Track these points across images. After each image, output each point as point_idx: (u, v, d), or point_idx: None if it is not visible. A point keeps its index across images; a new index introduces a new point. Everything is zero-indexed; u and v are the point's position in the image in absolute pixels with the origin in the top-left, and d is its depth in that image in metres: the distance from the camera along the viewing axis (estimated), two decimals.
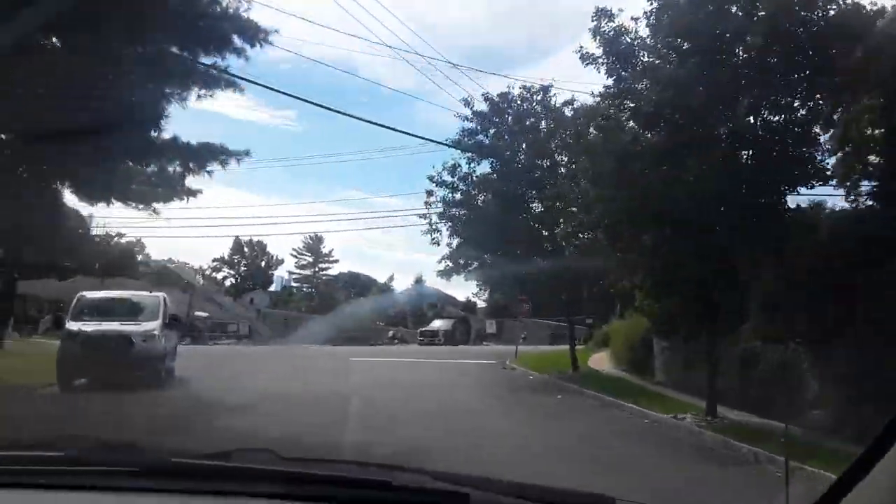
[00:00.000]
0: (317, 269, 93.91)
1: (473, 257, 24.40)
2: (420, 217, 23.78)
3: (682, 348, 19.36)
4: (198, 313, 56.97)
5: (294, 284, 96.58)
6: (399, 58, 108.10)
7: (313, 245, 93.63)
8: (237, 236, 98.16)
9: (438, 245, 23.89)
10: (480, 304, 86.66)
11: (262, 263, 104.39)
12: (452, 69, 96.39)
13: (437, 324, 48.14)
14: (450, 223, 23.38)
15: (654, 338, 22.79)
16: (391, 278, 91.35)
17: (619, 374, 22.95)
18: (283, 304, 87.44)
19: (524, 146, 22.37)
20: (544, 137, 22.17)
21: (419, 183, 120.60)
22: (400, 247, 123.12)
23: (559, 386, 20.11)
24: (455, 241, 23.63)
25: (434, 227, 23.64)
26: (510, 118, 22.55)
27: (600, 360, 26.68)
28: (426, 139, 22.95)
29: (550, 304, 76.29)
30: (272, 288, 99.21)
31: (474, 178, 22.77)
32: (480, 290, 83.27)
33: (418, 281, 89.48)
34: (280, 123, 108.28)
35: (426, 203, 23.57)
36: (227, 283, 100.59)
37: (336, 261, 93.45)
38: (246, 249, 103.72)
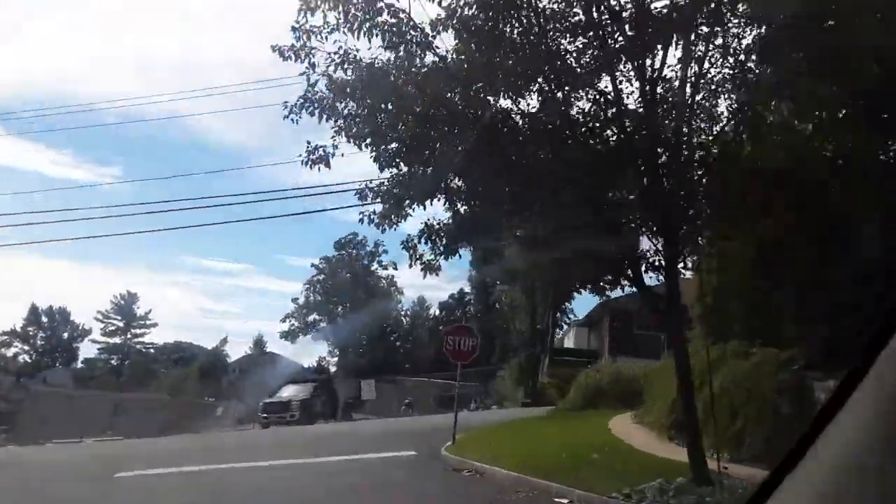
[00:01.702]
0: (129, 336, 73.71)
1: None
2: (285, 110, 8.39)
3: None
4: None
5: (103, 356, 75.87)
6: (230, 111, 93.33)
7: (125, 306, 73.67)
8: (33, 304, 77.12)
9: (326, 167, 8.58)
10: (333, 367, 72.17)
11: (65, 335, 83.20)
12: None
13: (288, 391, 32.14)
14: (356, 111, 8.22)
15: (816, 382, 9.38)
16: (224, 341, 73.21)
17: (759, 473, 9.20)
18: (88, 382, 67.71)
19: None
20: None
21: (256, 249, 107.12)
22: (237, 315, 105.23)
23: None
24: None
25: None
26: None
27: (639, 439, 12.59)
28: None
29: (422, 359, 61.60)
30: (78, 364, 78.88)
31: None
32: (332, 350, 67.23)
33: (258, 343, 72.39)
34: (103, 181, 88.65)
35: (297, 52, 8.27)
36: (21, 360, 78.71)
37: (154, 324, 73.99)
38: (45, 319, 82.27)
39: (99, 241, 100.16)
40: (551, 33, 8.08)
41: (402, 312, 76.24)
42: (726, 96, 8.75)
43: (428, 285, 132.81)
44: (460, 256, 9.71)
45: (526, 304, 38.33)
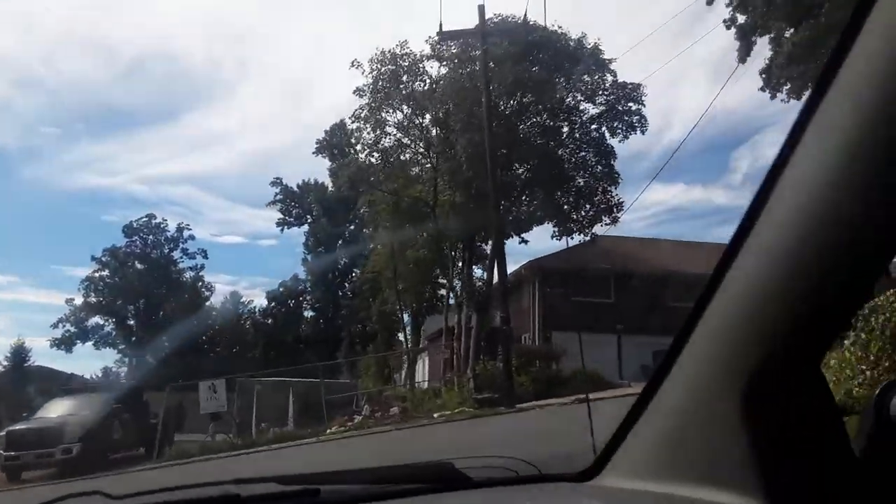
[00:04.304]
0: None
1: None
2: None
3: None
4: None
5: None
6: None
7: None
8: None
9: None
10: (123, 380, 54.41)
11: None
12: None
13: (59, 409, 16.91)
14: None
15: None
16: None
17: None
18: None
19: None
20: None
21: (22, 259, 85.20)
22: None
23: None
24: None
25: None
26: None
27: None
28: None
29: (244, 360, 47.01)
30: None
31: None
32: (126, 355, 50.16)
33: (17, 353, 52.73)
34: None
35: None
36: None
37: None
38: None
39: None
40: None
41: (212, 310, 60.23)
42: None
43: (235, 282, 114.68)
44: None
45: (425, 264, 26.42)
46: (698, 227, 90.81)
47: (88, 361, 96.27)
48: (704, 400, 1.20)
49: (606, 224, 22.17)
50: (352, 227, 50.10)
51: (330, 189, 52.42)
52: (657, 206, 73.04)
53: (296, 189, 53.94)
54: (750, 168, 66.98)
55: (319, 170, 64.98)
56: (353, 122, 24.10)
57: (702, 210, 63.90)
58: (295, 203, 53.99)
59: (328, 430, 16.53)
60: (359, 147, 24.51)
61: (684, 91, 53.99)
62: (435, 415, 17.33)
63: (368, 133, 23.12)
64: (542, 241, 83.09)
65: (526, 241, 27.11)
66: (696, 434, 1.24)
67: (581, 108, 22.05)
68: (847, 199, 0.91)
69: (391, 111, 23.64)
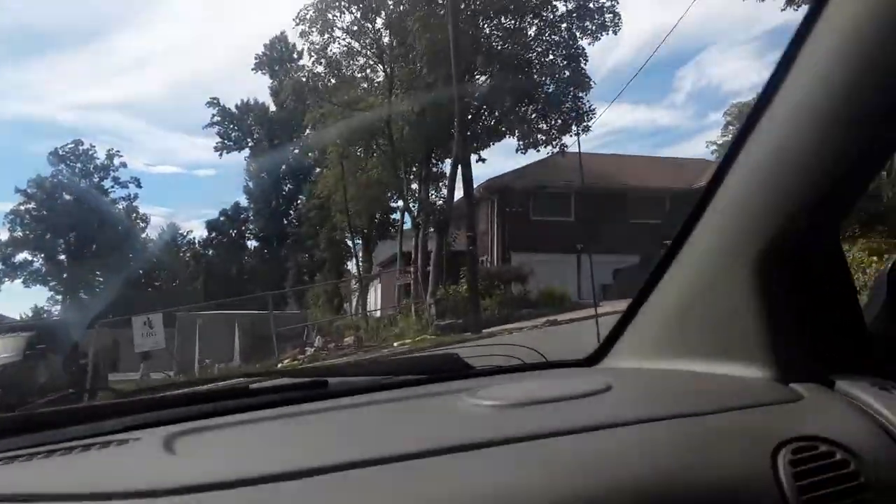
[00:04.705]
0: None
1: None
2: None
3: None
4: None
5: None
6: None
7: None
8: None
9: None
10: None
11: None
12: None
13: None
14: None
15: None
16: None
17: None
18: None
19: None
20: None
21: None
22: None
23: None
24: None
25: None
26: None
27: None
28: None
29: (185, 294, 44.92)
30: None
31: None
32: (59, 292, 47.36)
33: None
34: None
35: None
36: None
37: None
38: None
39: None
40: None
41: (148, 242, 57.20)
42: None
43: (172, 215, 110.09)
44: None
45: (378, 185, 24.65)
46: (645, 147, 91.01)
47: (18, 301, 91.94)
48: (714, 277, 1.19)
49: (576, 133, 20.71)
50: (296, 151, 47.62)
51: (272, 110, 49.42)
52: (602, 128, 72.39)
53: (234, 110, 50.68)
54: (693, 87, 66.72)
55: (260, 91, 61.46)
56: (297, 24, 21.66)
57: (647, 130, 63.65)
58: (234, 125, 50.82)
59: (279, 365, 15.20)
60: (303, 60, 22.19)
61: (628, 8, 52.31)
62: (395, 344, 16.10)
63: (315, 37, 20.85)
64: (497, 164, 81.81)
65: (483, 160, 25.61)
66: (704, 311, 1.24)
67: (551, 4, 20.26)
68: (861, 71, 0.91)
69: (339, 13, 21.35)
